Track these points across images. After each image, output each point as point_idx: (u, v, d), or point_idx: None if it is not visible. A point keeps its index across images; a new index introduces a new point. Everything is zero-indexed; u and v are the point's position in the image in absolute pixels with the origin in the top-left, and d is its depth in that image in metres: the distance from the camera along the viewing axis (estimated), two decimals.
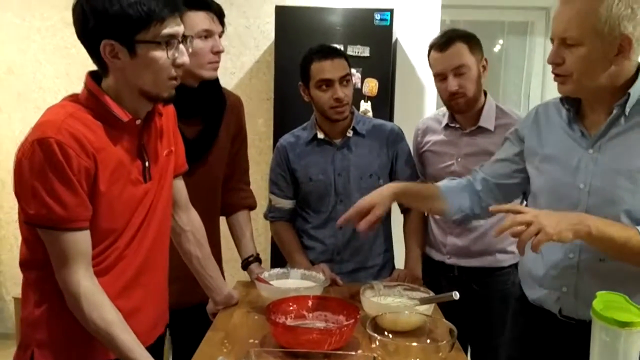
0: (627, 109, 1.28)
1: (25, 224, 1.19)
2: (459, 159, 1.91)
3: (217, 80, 1.77)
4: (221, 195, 1.91)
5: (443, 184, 1.64)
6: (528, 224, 1.19)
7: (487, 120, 1.89)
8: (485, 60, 1.88)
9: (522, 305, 1.54)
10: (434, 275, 1.94)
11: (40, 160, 1.11)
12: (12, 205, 3.52)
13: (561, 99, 1.41)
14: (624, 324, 1.01)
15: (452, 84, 1.82)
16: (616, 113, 1.29)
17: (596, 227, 1.21)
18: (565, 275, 1.37)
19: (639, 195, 1.26)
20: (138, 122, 1.26)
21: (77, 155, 1.13)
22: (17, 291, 3.89)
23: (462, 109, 1.88)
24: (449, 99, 1.87)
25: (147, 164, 1.29)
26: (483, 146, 1.88)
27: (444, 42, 1.83)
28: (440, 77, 1.87)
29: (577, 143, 1.37)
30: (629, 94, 1.27)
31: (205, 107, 1.75)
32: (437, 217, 1.97)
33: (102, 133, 1.19)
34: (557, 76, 1.33)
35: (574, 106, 1.39)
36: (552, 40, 1.33)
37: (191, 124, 1.68)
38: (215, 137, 1.78)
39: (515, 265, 1.93)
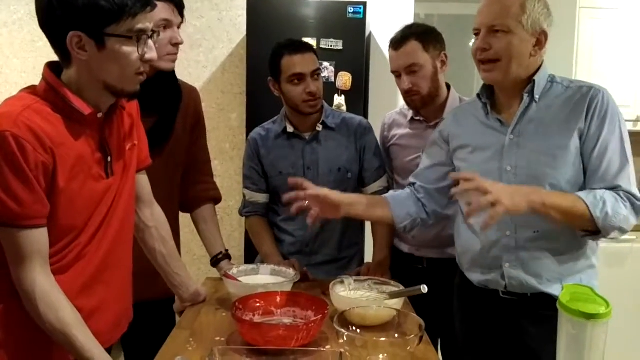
0: (536, 96, 1.45)
1: None
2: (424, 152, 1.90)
3: (173, 71, 1.73)
4: (183, 189, 1.87)
5: (389, 194, 1.71)
6: (485, 192, 1.26)
7: None
8: (445, 55, 1.90)
9: (465, 292, 1.62)
10: (403, 268, 1.93)
11: None
12: None
13: (478, 94, 1.56)
14: (590, 316, 1.00)
15: (405, 82, 1.85)
16: (527, 99, 1.46)
17: (547, 196, 1.33)
18: (506, 252, 1.48)
19: (559, 169, 1.40)
20: (100, 115, 1.21)
21: (34, 149, 1.08)
22: None
23: (418, 106, 1.91)
24: (405, 96, 1.91)
25: (109, 158, 1.25)
26: None
27: (398, 41, 1.85)
28: (396, 74, 1.90)
29: (497, 131, 1.50)
30: (534, 81, 1.44)
31: (161, 98, 1.70)
32: None
33: (62, 127, 1.15)
34: (485, 63, 1.45)
35: (489, 99, 1.53)
36: (476, 32, 1.47)
37: (147, 116, 1.63)
38: (172, 128, 1.73)
39: None
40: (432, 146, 1.68)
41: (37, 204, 1.11)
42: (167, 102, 1.72)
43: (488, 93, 1.54)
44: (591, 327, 1.01)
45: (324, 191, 1.52)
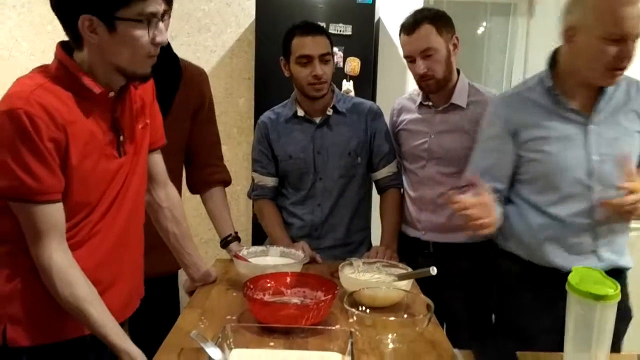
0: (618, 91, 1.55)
1: None
2: (433, 136, 1.92)
3: (169, 46, 1.71)
4: (192, 172, 1.88)
5: None
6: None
7: (460, 97, 1.90)
8: (456, 38, 1.88)
9: (529, 278, 1.63)
10: (409, 253, 1.95)
11: (9, 132, 1.08)
12: None
13: (548, 87, 1.57)
14: (599, 297, 1.01)
15: (421, 66, 1.83)
16: (605, 89, 1.53)
17: None
18: (594, 234, 1.55)
19: (636, 152, 1.54)
20: (111, 94, 1.22)
21: (47, 126, 1.09)
22: None
23: (433, 90, 1.90)
24: (419, 81, 1.90)
25: (121, 138, 1.26)
26: (456, 123, 1.89)
27: (411, 25, 1.84)
28: (409, 59, 1.88)
29: (575, 121, 1.54)
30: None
31: (158, 76, 1.70)
32: (412, 194, 1.97)
33: (74, 105, 1.16)
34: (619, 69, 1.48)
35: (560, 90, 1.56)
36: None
37: None
38: (169, 106, 1.72)
39: (489, 242, 1.94)
40: (493, 140, 1.65)
41: (53, 179, 1.13)
42: (164, 80, 1.71)
43: (556, 85, 1.56)
44: (600, 308, 1.02)
45: None
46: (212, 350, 0.98)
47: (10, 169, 1.09)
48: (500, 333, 1.68)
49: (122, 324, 1.30)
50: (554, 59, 1.59)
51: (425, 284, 1.62)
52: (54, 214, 1.14)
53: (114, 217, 1.27)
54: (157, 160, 1.48)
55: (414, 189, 1.98)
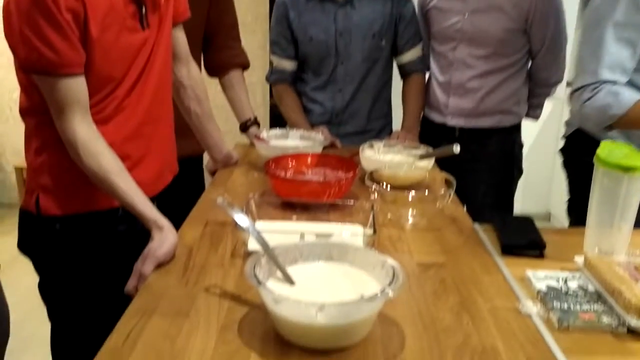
0: None
1: (20, 69, 1.15)
2: (466, 16, 1.82)
3: None
4: (211, 54, 1.84)
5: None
6: None
7: None
8: None
9: None
10: (433, 138, 1.93)
11: (27, 3, 1.04)
12: (4, 75, 3.43)
13: None
14: (628, 169, 1.00)
15: None
16: None
17: None
18: None
19: None
20: None
21: None
22: (18, 161, 3.93)
23: None
24: None
25: (143, 10, 1.22)
26: (493, 1, 1.78)
27: None
28: None
29: None
30: None
31: None
32: (440, 78, 1.92)
33: None
34: None
35: None
36: None
37: None
38: None
39: (517, 126, 1.91)
40: (626, 28, 1.36)
41: (73, 51, 1.10)
42: None
43: None
44: (627, 180, 1.01)
45: None
46: (239, 217, 1.00)
47: (29, 40, 1.06)
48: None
49: (152, 199, 1.33)
50: None
51: (449, 169, 1.61)
52: (76, 87, 1.13)
53: (140, 93, 1.26)
54: (179, 36, 1.44)
55: (442, 72, 1.92)
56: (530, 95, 1.95)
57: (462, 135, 1.92)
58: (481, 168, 1.88)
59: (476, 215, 1.47)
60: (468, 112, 1.89)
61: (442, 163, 1.62)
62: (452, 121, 1.92)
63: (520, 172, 2.01)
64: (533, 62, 1.89)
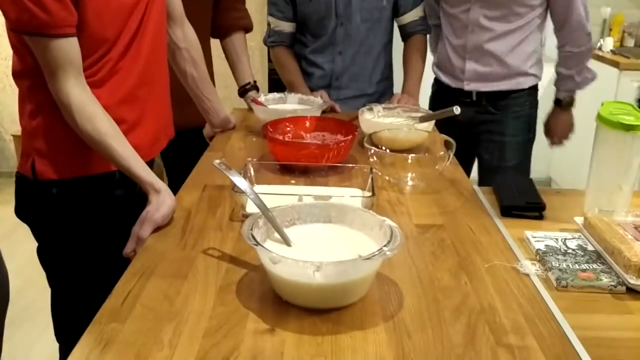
0: None
1: (12, 31, 1.12)
2: None
3: None
4: (215, 15, 1.81)
5: None
6: None
7: None
8: None
9: None
10: (449, 103, 1.87)
11: None
12: None
13: None
14: (630, 127, 0.99)
15: None
16: None
17: None
18: None
19: None
20: None
21: None
22: (16, 129, 3.89)
23: None
24: None
25: None
26: None
27: None
28: None
29: None
30: None
31: None
32: (455, 41, 1.87)
33: None
34: None
35: None
36: None
37: None
38: None
39: (534, 87, 1.87)
40: None
41: (64, 11, 1.08)
42: None
43: None
44: (630, 139, 1.00)
45: None
46: (237, 179, 0.98)
47: (21, 0, 1.04)
48: None
49: (149, 163, 1.32)
50: None
51: (466, 132, 1.56)
52: (69, 48, 1.11)
53: (134, 55, 1.23)
54: None
55: (456, 35, 1.85)
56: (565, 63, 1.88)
57: (480, 99, 1.86)
58: (499, 130, 1.85)
59: (495, 178, 1.46)
60: (486, 77, 1.83)
61: (459, 127, 1.57)
62: (470, 86, 1.86)
63: (534, 134, 1.96)
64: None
